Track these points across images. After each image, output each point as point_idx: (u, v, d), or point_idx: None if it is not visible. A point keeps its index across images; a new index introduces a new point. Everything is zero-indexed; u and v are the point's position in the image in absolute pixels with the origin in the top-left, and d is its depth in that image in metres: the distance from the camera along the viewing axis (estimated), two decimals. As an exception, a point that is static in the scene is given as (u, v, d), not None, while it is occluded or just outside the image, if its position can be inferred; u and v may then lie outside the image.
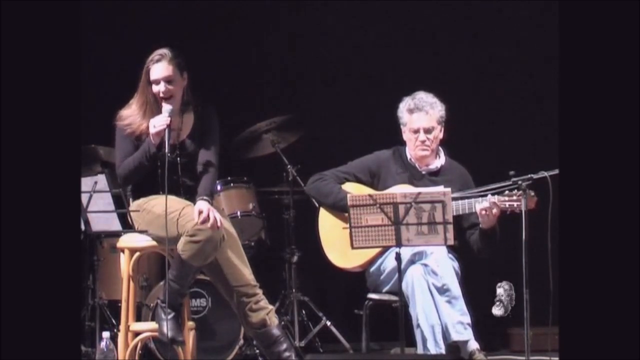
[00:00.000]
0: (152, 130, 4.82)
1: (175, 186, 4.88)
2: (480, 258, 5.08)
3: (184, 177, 4.93)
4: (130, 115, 4.93)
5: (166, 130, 4.80)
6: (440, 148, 5.24)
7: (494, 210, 4.86)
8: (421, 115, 5.11)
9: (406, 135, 5.19)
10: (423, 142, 5.12)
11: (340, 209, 5.05)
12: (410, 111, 5.13)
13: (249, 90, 6.83)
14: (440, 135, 5.18)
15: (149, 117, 4.89)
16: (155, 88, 4.90)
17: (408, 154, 5.22)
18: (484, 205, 4.86)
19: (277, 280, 6.28)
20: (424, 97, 5.14)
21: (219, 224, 4.70)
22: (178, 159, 4.89)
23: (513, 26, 6.66)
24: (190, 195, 4.90)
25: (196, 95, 5.03)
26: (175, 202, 4.78)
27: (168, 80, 4.89)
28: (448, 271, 4.85)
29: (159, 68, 4.89)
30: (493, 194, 4.89)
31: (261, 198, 6.24)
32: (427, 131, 5.12)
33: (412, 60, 6.74)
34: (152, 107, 4.91)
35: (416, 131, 5.13)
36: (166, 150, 4.79)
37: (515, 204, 4.79)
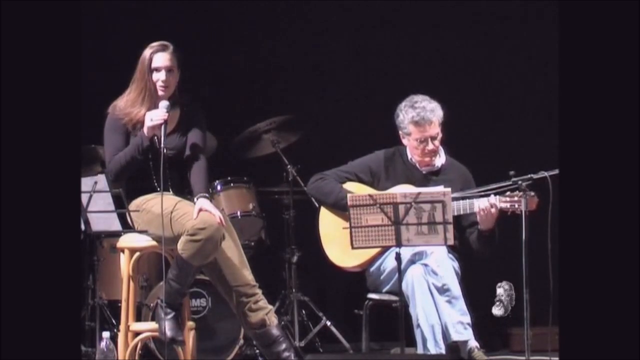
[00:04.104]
0: (148, 124, 4.82)
1: (167, 180, 4.86)
2: (478, 258, 5.08)
3: (172, 171, 4.92)
4: (127, 105, 4.91)
5: (162, 126, 4.81)
6: (440, 147, 5.24)
7: (492, 210, 4.86)
8: (427, 127, 5.07)
9: (410, 143, 5.15)
10: (431, 149, 5.11)
11: (341, 208, 5.05)
12: (416, 123, 5.07)
13: (248, 90, 6.83)
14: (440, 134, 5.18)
15: (147, 106, 4.89)
16: (155, 76, 4.90)
17: (408, 154, 5.21)
18: (482, 205, 4.86)
19: (277, 280, 6.28)
20: (425, 106, 5.08)
21: (223, 222, 4.71)
22: (164, 150, 4.87)
23: (513, 26, 6.66)
24: (187, 189, 4.90)
25: (183, 94, 5.03)
26: (172, 200, 4.79)
27: (169, 70, 4.91)
28: (448, 271, 4.85)
29: (162, 57, 4.91)
30: (494, 194, 4.89)
31: (261, 198, 6.24)
32: (434, 138, 5.10)
33: (412, 60, 6.74)
34: (152, 95, 4.90)
35: (422, 141, 5.10)
36: (162, 145, 4.79)
37: (516, 204, 4.79)
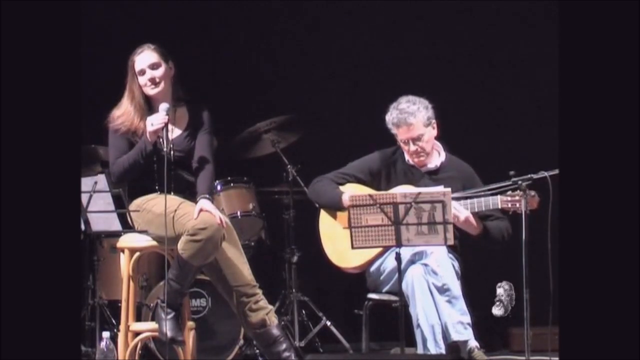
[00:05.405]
0: (149, 129, 4.82)
1: (170, 182, 4.86)
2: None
3: (180, 172, 4.93)
4: (122, 114, 4.92)
5: (164, 130, 4.80)
6: (439, 145, 5.23)
7: (461, 219, 4.89)
8: (406, 128, 5.09)
9: (400, 143, 5.18)
10: (415, 150, 5.12)
11: (333, 206, 5.07)
12: (396, 125, 5.11)
13: (249, 90, 6.83)
14: (434, 134, 5.16)
15: (141, 113, 4.89)
16: (142, 80, 4.91)
17: (406, 154, 5.21)
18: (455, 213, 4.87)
19: (277, 280, 6.28)
20: (406, 108, 5.09)
21: (223, 223, 4.71)
22: (172, 153, 4.87)
23: (513, 26, 6.66)
24: (188, 191, 4.91)
25: (187, 91, 5.04)
26: (174, 201, 4.79)
27: (153, 67, 4.90)
28: (448, 271, 4.85)
29: (143, 57, 4.92)
30: (494, 194, 4.89)
31: (261, 198, 6.24)
32: (416, 139, 5.10)
33: (412, 60, 6.74)
34: (143, 101, 4.90)
35: (406, 142, 5.12)
36: (165, 149, 4.79)
37: (517, 204, 4.80)
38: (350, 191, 5.02)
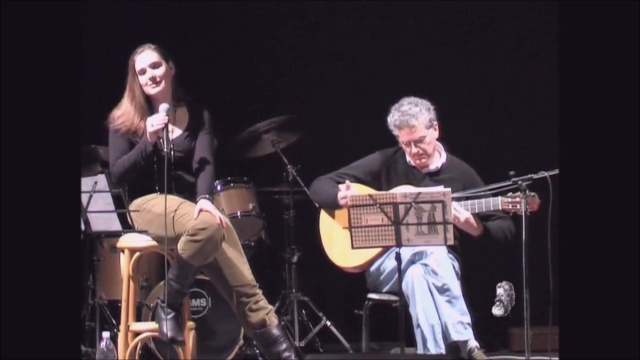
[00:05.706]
0: (149, 129, 4.82)
1: (170, 182, 4.85)
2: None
3: (180, 173, 4.92)
4: (122, 114, 4.92)
5: (164, 130, 4.80)
6: (440, 146, 5.23)
7: (460, 220, 4.89)
8: (408, 130, 5.08)
9: (402, 144, 5.18)
10: (417, 152, 5.11)
11: (329, 204, 5.07)
12: (397, 127, 5.10)
13: (249, 90, 6.83)
14: (435, 135, 5.16)
15: (141, 113, 4.89)
16: (142, 79, 4.90)
17: (407, 156, 5.21)
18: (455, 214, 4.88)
19: (277, 280, 6.28)
20: (407, 110, 5.09)
21: (223, 223, 4.71)
22: (172, 153, 4.87)
23: (513, 26, 6.67)
24: (188, 191, 4.91)
25: (187, 91, 5.04)
26: (174, 201, 4.79)
27: (154, 66, 4.90)
28: (448, 271, 4.85)
29: (143, 56, 4.92)
30: (494, 195, 4.89)
31: (261, 198, 6.24)
32: (418, 142, 5.10)
33: (413, 60, 6.74)
34: (142, 101, 4.90)
35: (407, 144, 5.12)
36: (165, 149, 4.79)
37: (518, 205, 4.79)
38: (351, 190, 5.02)
